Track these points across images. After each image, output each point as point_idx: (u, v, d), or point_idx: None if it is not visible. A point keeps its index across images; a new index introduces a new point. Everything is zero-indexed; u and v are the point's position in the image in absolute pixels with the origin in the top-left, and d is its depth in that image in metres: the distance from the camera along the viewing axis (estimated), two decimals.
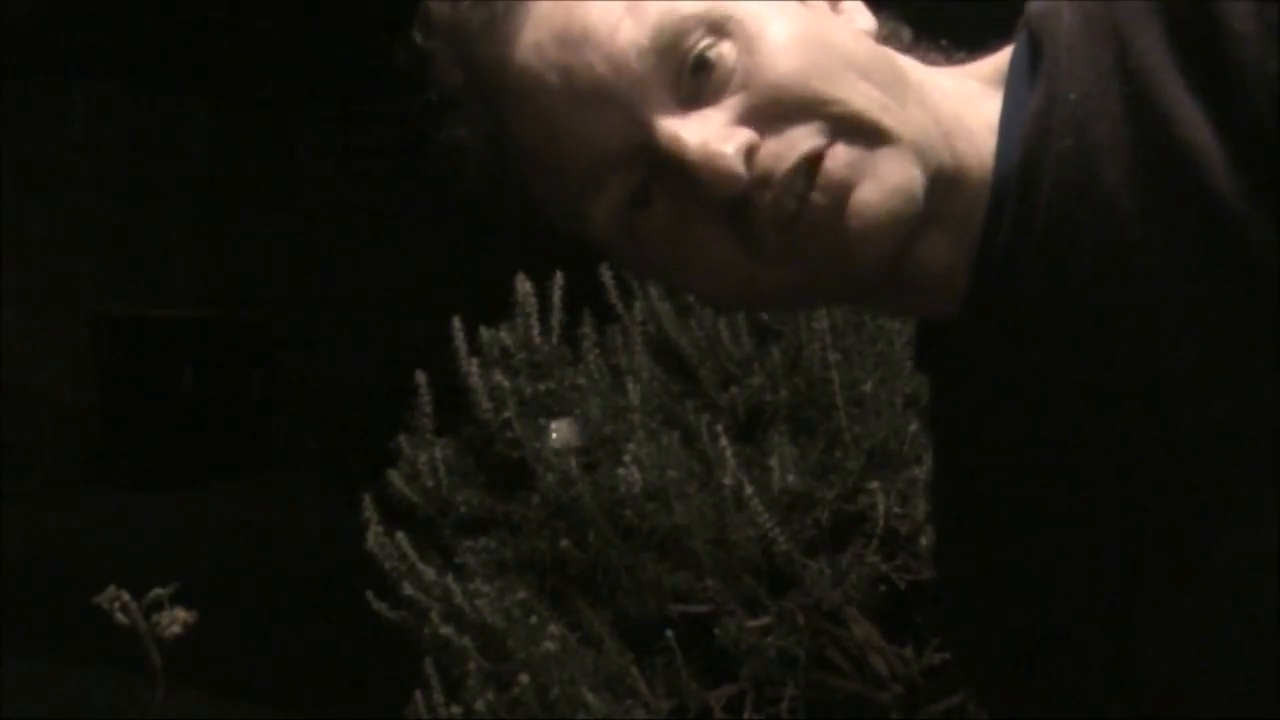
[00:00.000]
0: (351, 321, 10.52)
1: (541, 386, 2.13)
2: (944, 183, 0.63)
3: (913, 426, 1.95)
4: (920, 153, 0.62)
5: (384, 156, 9.93)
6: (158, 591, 2.35)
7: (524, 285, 2.15)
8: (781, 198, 0.61)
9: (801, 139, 0.61)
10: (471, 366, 2.12)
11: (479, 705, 1.95)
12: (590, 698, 1.89)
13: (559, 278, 2.14)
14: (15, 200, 8.68)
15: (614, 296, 2.17)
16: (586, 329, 2.15)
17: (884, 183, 0.60)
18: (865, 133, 0.61)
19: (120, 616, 2.31)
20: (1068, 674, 0.67)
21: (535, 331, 2.15)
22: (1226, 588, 0.58)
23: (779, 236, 0.61)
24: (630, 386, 2.01)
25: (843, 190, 0.60)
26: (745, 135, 0.60)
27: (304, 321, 10.07)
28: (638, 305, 2.16)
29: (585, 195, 0.64)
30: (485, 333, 2.19)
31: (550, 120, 0.64)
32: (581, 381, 2.10)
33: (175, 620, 2.33)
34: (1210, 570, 0.58)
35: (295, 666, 4.65)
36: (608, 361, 2.13)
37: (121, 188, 9.46)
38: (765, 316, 2.09)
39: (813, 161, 0.60)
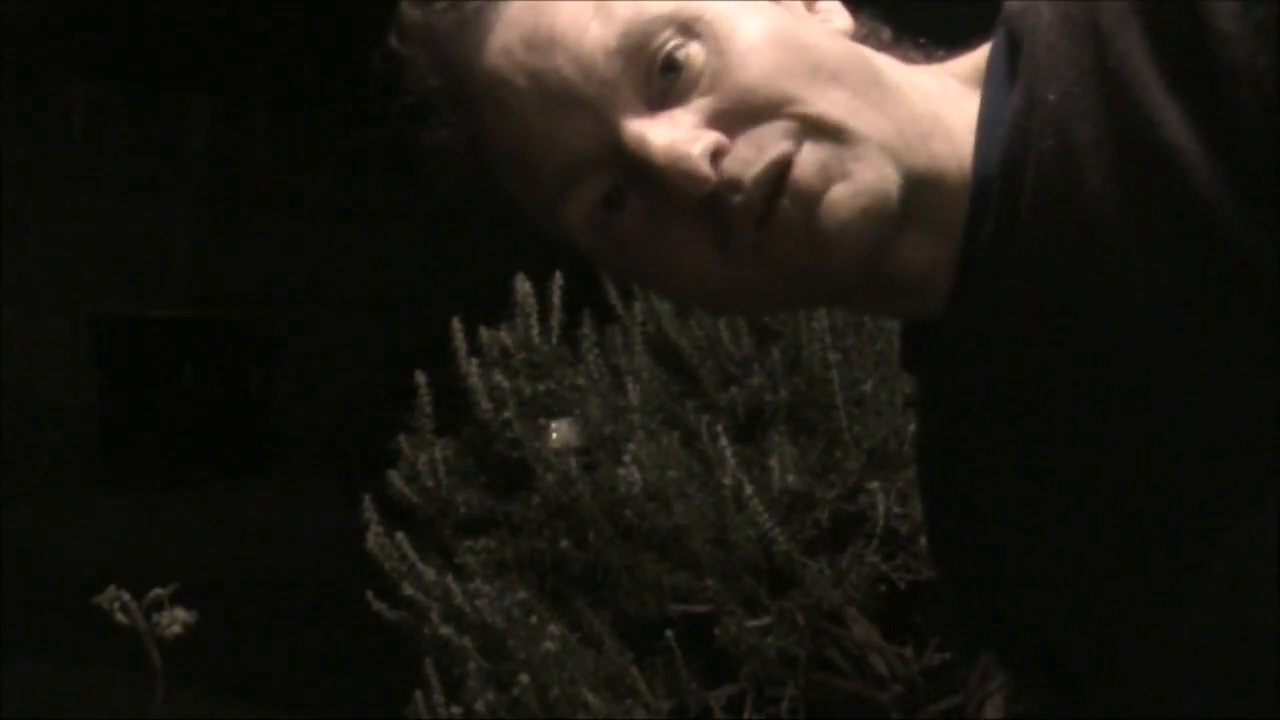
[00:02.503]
0: (351, 321, 10.52)
1: (541, 386, 2.13)
2: (920, 183, 0.62)
3: (913, 426, 1.95)
4: (893, 153, 0.61)
5: (384, 156, 9.94)
6: (158, 591, 2.35)
7: (524, 285, 2.15)
8: (751, 200, 0.60)
9: (770, 143, 0.60)
10: (471, 366, 2.12)
11: (479, 705, 1.95)
12: (590, 698, 1.89)
13: (559, 278, 2.14)
14: (15, 200, 8.68)
15: (614, 296, 2.17)
16: (586, 329, 2.15)
17: (855, 183, 0.60)
18: (834, 133, 0.60)
19: (120, 616, 2.31)
20: (1060, 673, 0.67)
21: (535, 332, 2.15)
22: (1216, 587, 0.58)
23: (750, 240, 0.61)
24: (630, 386, 2.01)
25: (813, 196, 0.60)
26: (712, 137, 0.60)
27: (304, 321, 10.07)
28: (638, 305, 2.16)
29: (559, 198, 0.64)
30: (485, 333, 2.19)
31: (521, 124, 0.64)
32: (581, 381, 2.10)
33: (175, 620, 2.32)
34: (1201, 570, 0.58)
35: (295, 666, 4.65)
36: (608, 361, 2.13)
37: (121, 188, 9.46)
38: (765, 316, 2.09)
39: (782, 166, 0.60)
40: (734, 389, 2.05)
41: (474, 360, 2.13)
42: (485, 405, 2.10)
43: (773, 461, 1.91)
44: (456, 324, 2.13)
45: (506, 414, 2.08)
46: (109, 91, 9.41)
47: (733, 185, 0.60)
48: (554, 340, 2.16)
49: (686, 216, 0.62)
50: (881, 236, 0.61)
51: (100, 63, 8.86)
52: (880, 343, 2.00)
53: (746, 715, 1.97)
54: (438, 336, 2.18)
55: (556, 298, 2.15)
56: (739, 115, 0.61)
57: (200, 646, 2.45)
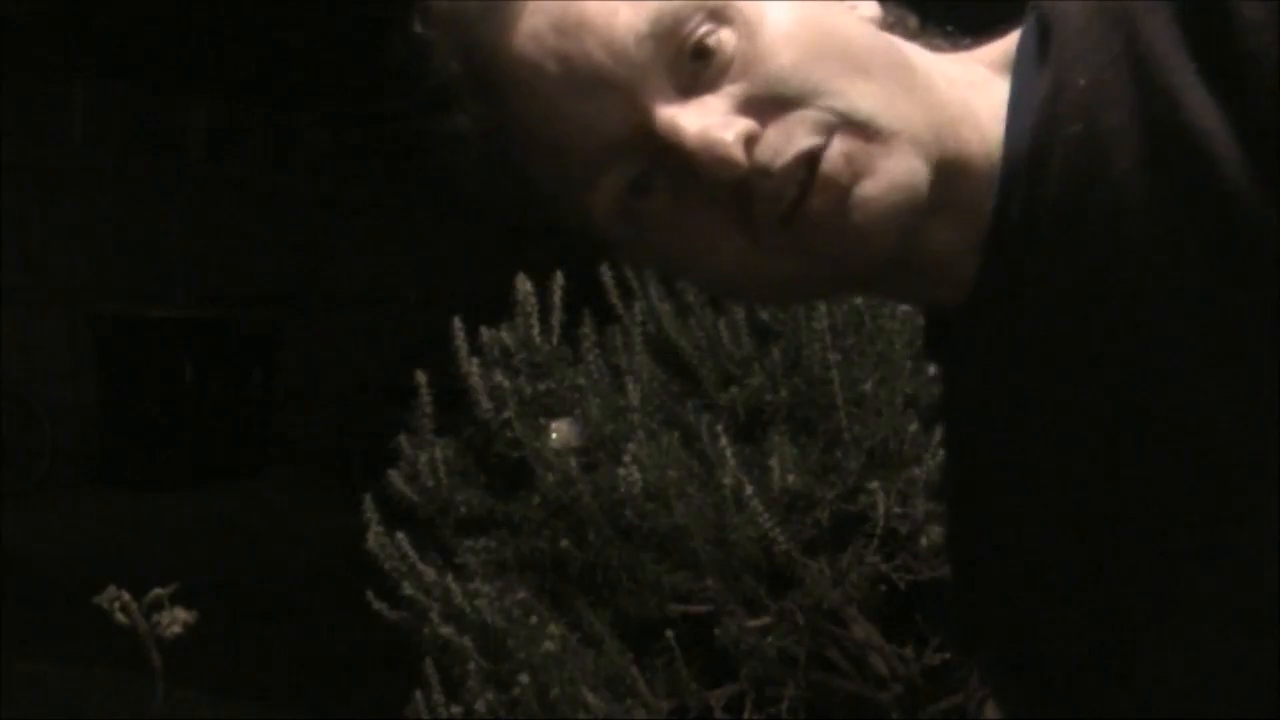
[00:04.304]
0: (351, 321, 10.52)
1: (541, 386, 2.13)
2: (949, 171, 0.63)
3: (913, 426, 1.95)
4: (922, 144, 0.61)
5: (384, 156, 9.94)
6: (158, 591, 2.35)
7: (524, 285, 2.15)
8: (783, 186, 0.60)
9: (800, 132, 0.60)
10: (471, 366, 2.12)
11: (479, 705, 1.95)
12: (590, 698, 1.89)
13: (559, 278, 2.14)
14: (15, 200, 8.68)
15: (614, 296, 2.17)
16: (586, 329, 2.15)
17: (885, 178, 0.60)
18: (864, 125, 0.60)
19: (120, 616, 2.31)
20: (1072, 666, 0.66)
21: (535, 331, 2.15)
22: (1240, 580, 0.58)
23: (776, 227, 0.61)
24: (630, 386, 2.01)
25: (842, 190, 0.60)
26: (744, 123, 0.60)
27: (304, 321, 10.07)
28: (638, 305, 2.16)
29: (586, 183, 0.64)
30: (485, 333, 2.19)
31: (550, 109, 0.64)
32: (581, 381, 2.10)
33: (175, 620, 2.33)
34: (1225, 561, 0.58)
35: (295, 666, 4.65)
36: (608, 361, 2.13)
37: (121, 188, 9.46)
38: (765, 316, 2.09)
39: (810, 158, 0.60)
40: (734, 389, 2.05)
41: (474, 360, 2.13)
42: (485, 405, 2.10)
43: (773, 461, 1.91)
44: (457, 324, 2.13)
45: (506, 414, 2.08)
46: (109, 91, 9.40)
47: (762, 172, 0.60)
48: (554, 340, 2.16)
49: (714, 203, 0.62)
50: (909, 228, 0.61)
51: (100, 63, 8.86)
52: (880, 343, 2.00)
53: (746, 715, 1.96)
54: (438, 336, 2.18)
55: (556, 298, 2.15)
56: (770, 102, 0.61)
57: (200, 646, 2.45)
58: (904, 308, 1.99)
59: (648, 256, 0.72)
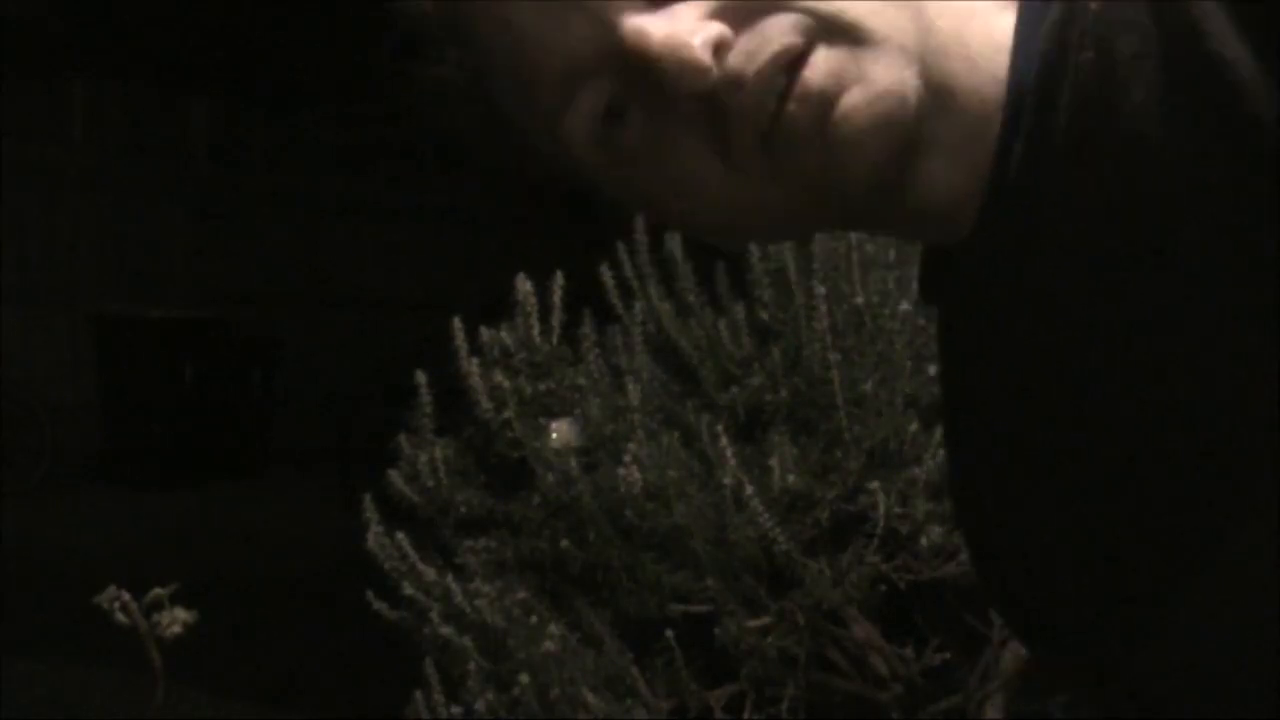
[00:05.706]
0: (351, 321, 10.52)
1: (541, 386, 2.13)
2: (943, 99, 0.59)
3: (913, 426, 1.95)
4: (912, 57, 0.58)
5: (384, 156, 9.94)
6: (158, 591, 2.35)
7: (524, 285, 2.15)
8: (759, 98, 0.57)
9: (775, 35, 0.57)
10: (471, 366, 2.12)
11: (479, 705, 1.95)
12: (590, 698, 1.89)
13: (559, 278, 2.14)
14: (15, 200, 8.68)
15: (614, 296, 2.17)
16: (586, 329, 2.15)
17: (870, 87, 0.56)
18: (847, 32, 0.57)
19: (120, 616, 2.31)
20: (1083, 635, 0.63)
21: (535, 331, 2.15)
22: (1245, 563, 0.54)
23: (753, 146, 0.58)
24: (630, 386, 2.01)
25: (824, 100, 0.56)
26: (715, 28, 0.56)
27: (304, 322, 10.07)
28: (638, 305, 2.16)
29: (558, 110, 0.61)
30: (485, 333, 2.19)
31: (517, 30, 0.61)
32: (581, 381, 2.10)
33: (175, 620, 2.33)
34: (1227, 538, 0.54)
35: (295, 666, 4.65)
36: (608, 361, 2.13)
37: (121, 188, 9.47)
38: (765, 316, 2.09)
39: (789, 61, 0.57)
40: (734, 389, 2.05)
41: (474, 360, 2.13)
42: (485, 405, 2.10)
43: (773, 461, 1.91)
44: (457, 324, 2.13)
45: (506, 414, 2.08)
46: (109, 91, 9.41)
47: (735, 81, 0.57)
48: (554, 340, 2.16)
49: (690, 128, 0.59)
50: (898, 147, 0.58)
51: (100, 63, 8.87)
52: (880, 343, 2.00)
53: (746, 715, 1.96)
54: (438, 336, 2.18)
55: (556, 298, 2.15)
56: (744, 8, 0.57)
57: (200, 646, 2.45)
58: (904, 307, 1.99)
59: (626, 191, 0.67)
